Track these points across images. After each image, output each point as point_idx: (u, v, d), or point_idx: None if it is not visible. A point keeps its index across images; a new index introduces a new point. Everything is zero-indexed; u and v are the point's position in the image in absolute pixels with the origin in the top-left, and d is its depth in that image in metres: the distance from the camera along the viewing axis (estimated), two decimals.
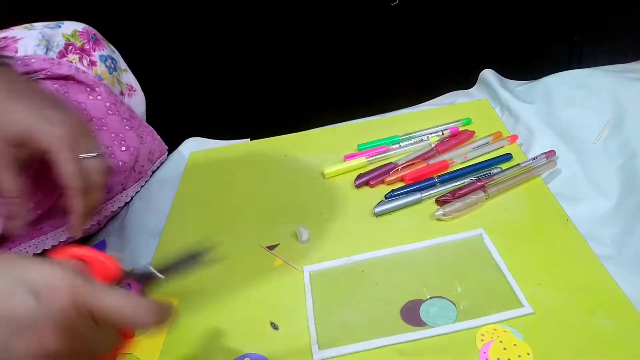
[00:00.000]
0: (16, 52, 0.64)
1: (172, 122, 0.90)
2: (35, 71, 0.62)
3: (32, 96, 0.45)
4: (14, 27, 0.68)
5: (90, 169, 0.46)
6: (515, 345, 0.45)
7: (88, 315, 0.28)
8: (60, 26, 0.69)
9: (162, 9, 0.91)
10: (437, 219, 0.59)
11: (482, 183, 0.61)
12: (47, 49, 0.66)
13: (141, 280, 0.39)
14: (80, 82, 0.65)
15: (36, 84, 0.50)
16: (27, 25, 0.68)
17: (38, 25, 0.68)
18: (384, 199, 0.64)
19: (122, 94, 0.76)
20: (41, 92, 0.48)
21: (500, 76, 0.83)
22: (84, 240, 0.71)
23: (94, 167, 0.46)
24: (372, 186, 0.67)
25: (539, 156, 0.64)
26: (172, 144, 0.86)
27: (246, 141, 0.85)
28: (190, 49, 0.96)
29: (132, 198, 0.74)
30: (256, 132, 0.86)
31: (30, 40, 0.65)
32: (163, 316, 0.31)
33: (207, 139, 0.88)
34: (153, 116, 0.82)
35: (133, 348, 0.52)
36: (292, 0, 0.92)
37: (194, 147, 0.85)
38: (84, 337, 0.28)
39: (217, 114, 0.99)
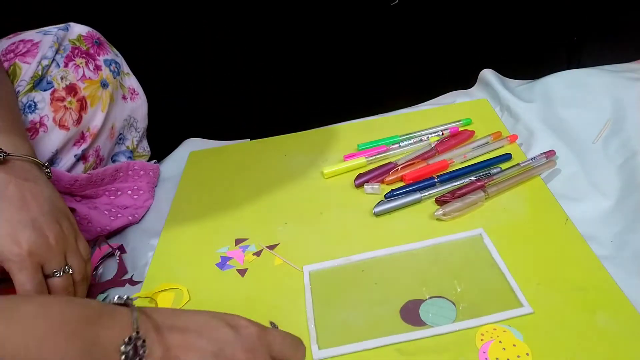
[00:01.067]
0: (34, 56, 0.64)
1: (172, 123, 0.90)
2: None
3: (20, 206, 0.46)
4: (29, 31, 0.68)
5: (56, 287, 0.48)
6: (514, 345, 0.45)
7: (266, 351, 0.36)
8: (67, 29, 0.69)
9: (161, 10, 0.91)
10: (437, 219, 0.59)
11: (482, 183, 0.61)
12: (56, 52, 0.66)
13: None
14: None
15: (45, 186, 0.50)
16: (40, 29, 0.68)
17: (51, 28, 0.68)
18: (383, 198, 0.64)
19: (124, 97, 0.76)
20: (35, 200, 0.48)
21: (500, 76, 0.83)
22: None
23: (61, 286, 0.48)
24: None
25: (538, 156, 0.64)
26: (173, 144, 0.86)
27: (246, 141, 0.85)
28: (190, 49, 0.96)
29: None
30: (256, 132, 0.86)
31: (46, 43, 0.65)
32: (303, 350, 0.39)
33: (207, 139, 0.88)
34: (153, 116, 0.82)
35: None
36: (292, 0, 0.92)
37: (194, 147, 0.85)
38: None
39: (217, 114, 0.99)
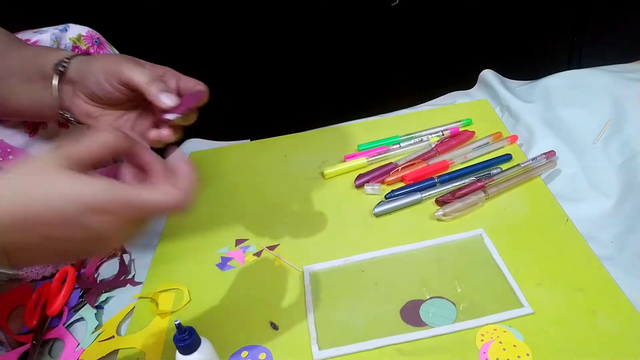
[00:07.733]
0: None
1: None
2: None
3: None
4: (25, 31, 0.68)
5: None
6: (515, 345, 0.45)
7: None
8: (66, 29, 0.69)
9: (160, 9, 0.92)
10: (437, 219, 0.59)
11: (482, 183, 0.62)
12: None
13: None
14: None
15: None
16: (37, 29, 0.68)
17: (47, 28, 0.68)
18: (384, 199, 0.64)
19: None
20: None
21: (501, 76, 0.83)
22: None
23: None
24: None
25: (538, 156, 0.64)
26: (173, 145, 0.86)
27: (246, 141, 0.85)
28: (190, 49, 0.96)
29: None
30: (256, 132, 0.86)
31: (45, 43, 0.65)
32: None
33: (207, 140, 0.88)
34: None
35: (138, 343, 0.52)
36: (292, 1, 0.92)
37: (194, 147, 0.85)
38: None
39: (217, 115, 0.99)
